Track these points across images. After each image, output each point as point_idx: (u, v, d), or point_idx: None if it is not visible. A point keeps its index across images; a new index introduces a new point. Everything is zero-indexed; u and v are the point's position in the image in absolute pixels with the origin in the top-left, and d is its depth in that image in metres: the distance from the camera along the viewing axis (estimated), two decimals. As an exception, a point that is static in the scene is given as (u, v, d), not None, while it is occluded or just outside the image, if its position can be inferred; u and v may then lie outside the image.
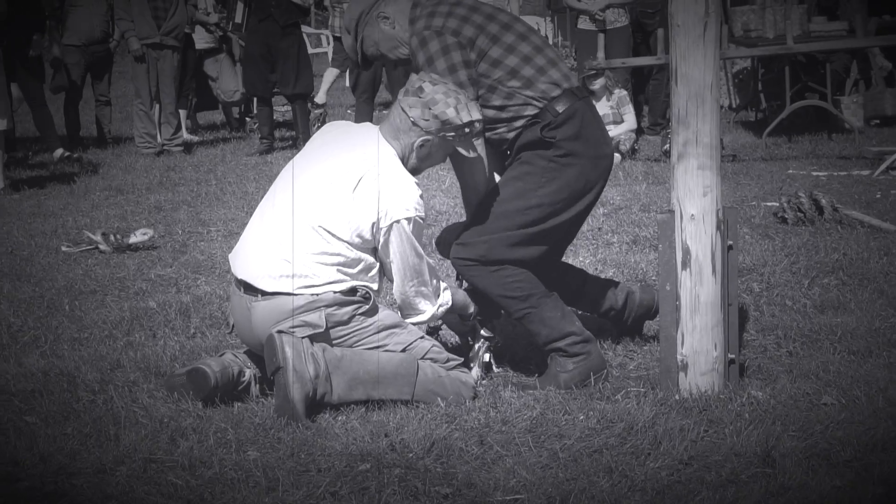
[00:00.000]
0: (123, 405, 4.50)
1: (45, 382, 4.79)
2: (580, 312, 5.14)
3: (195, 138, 13.47)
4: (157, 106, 12.54)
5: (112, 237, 7.50)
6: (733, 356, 4.49)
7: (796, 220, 7.38)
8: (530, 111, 4.63)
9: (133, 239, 7.51)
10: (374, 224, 4.38)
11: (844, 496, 3.57)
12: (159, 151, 12.22)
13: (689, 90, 4.32)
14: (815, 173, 9.56)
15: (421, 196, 4.45)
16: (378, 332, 4.48)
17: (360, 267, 4.45)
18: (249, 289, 4.48)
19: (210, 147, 12.85)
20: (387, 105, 15.09)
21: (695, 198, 4.34)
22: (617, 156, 9.99)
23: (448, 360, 4.56)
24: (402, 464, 3.85)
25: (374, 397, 4.41)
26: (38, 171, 11.46)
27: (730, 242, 4.44)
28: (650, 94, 12.67)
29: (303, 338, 4.35)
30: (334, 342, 4.43)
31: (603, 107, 10.69)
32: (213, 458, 3.96)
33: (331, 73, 14.78)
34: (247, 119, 14.25)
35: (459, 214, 7.78)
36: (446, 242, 4.88)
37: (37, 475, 3.88)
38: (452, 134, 4.47)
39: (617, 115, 10.92)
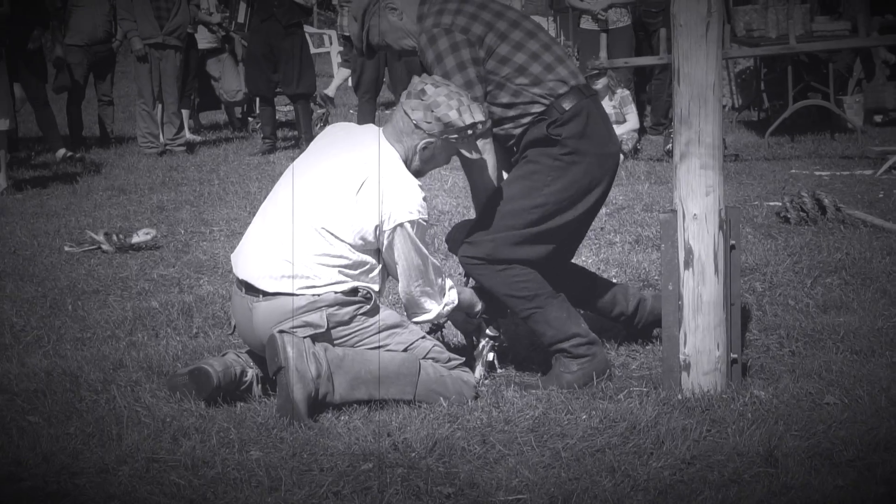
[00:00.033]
0: (126, 405, 4.50)
1: (47, 382, 4.80)
2: (587, 314, 5.13)
3: (198, 138, 13.47)
4: (160, 106, 12.55)
5: (115, 237, 7.51)
6: (736, 356, 4.48)
7: (799, 219, 7.38)
8: (537, 108, 4.64)
9: (136, 239, 7.52)
10: (377, 227, 4.39)
11: (847, 496, 3.57)
12: (162, 151, 12.22)
13: (692, 90, 4.32)
14: (817, 173, 9.56)
15: (424, 198, 4.45)
16: (379, 331, 4.48)
17: (362, 269, 4.45)
18: (251, 289, 4.48)
19: (213, 147, 12.86)
20: (389, 105, 15.10)
21: (697, 197, 4.34)
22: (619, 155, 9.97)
23: (449, 360, 4.56)
24: (405, 463, 3.85)
25: (376, 397, 4.41)
26: (41, 170, 11.47)
27: (732, 242, 4.44)
28: (653, 93, 12.66)
29: (304, 338, 4.36)
30: (336, 342, 4.43)
31: (605, 106, 10.68)
32: (215, 458, 3.96)
33: (343, 73, 14.79)
34: (249, 119, 14.25)
35: (462, 214, 7.78)
36: (455, 240, 4.88)
37: (39, 475, 3.88)
38: (455, 136, 4.47)
39: (619, 115, 10.92)
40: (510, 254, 4.65)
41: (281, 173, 4.72)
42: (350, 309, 4.43)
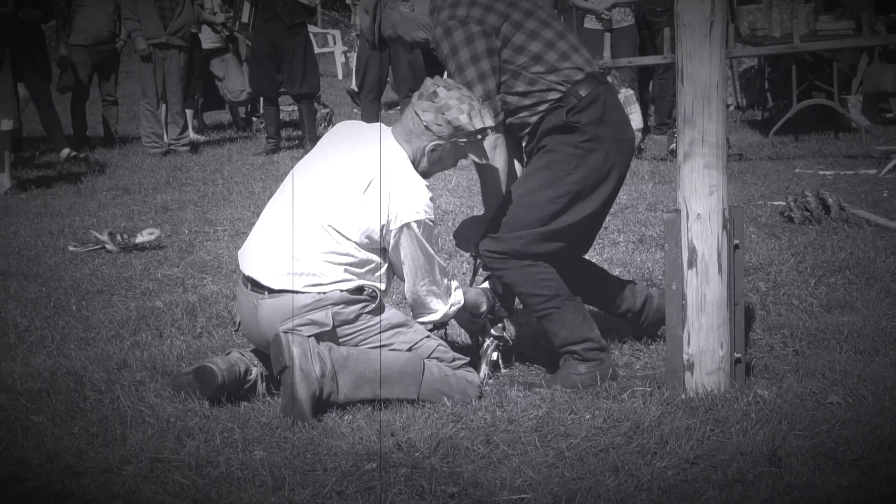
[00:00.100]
0: (130, 404, 4.51)
1: (51, 382, 4.80)
2: (594, 309, 5.14)
3: (202, 138, 13.48)
4: (164, 106, 12.55)
5: (119, 237, 7.51)
6: (739, 355, 4.48)
7: (803, 219, 7.37)
8: (554, 95, 4.64)
9: (140, 238, 7.52)
10: (383, 226, 4.39)
11: (851, 495, 3.57)
12: (166, 151, 12.23)
13: (696, 89, 4.31)
14: (821, 172, 9.55)
15: (431, 198, 4.46)
16: (384, 330, 4.48)
17: (368, 267, 4.46)
18: (256, 286, 4.49)
19: (216, 147, 12.86)
20: (392, 105, 15.10)
21: (701, 197, 4.34)
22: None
23: (454, 360, 4.56)
24: (409, 463, 3.86)
25: (380, 396, 4.41)
26: (45, 170, 11.48)
27: (736, 241, 4.44)
28: (656, 93, 12.66)
29: (309, 336, 4.36)
30: (340, 341, 4.44)
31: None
32: (219, 458, 3.96)
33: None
34: (253, 119, 14.26)
35: (466, 214, 7.78)
36: (464, 236, 4.88)
37: (43, 474, 3.89)
38: (464, 140, 4.48)
39: (623, 115, 10.89)
40: (538, 249, 4.65)
41: (285, 173, 4.73)
42: (355, 308, 4.44)
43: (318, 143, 4.79)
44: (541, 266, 4.68)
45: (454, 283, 4.66)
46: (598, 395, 4.50)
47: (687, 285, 4.38)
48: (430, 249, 4.47)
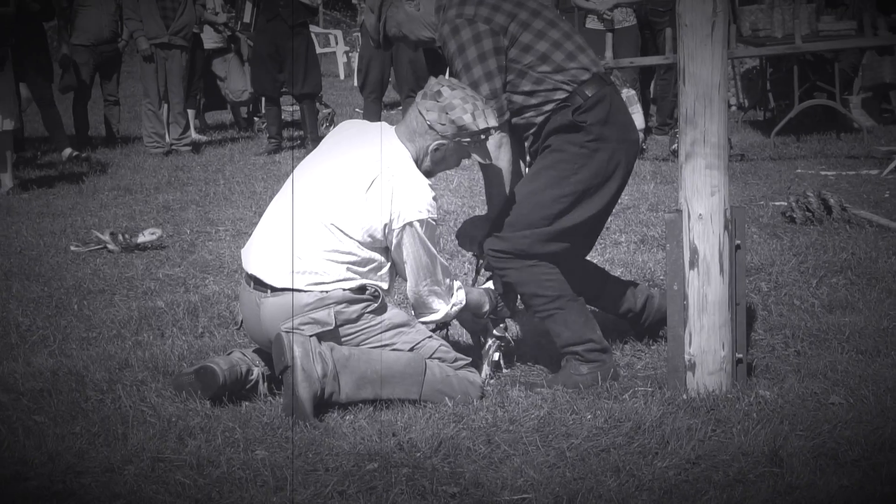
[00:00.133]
0: (131, 404, 4.51)
1: (53, 382, 4.80)
2: (595, 309, 5.14)
3: (203, 138, 13.48)
4: (166, 106, 12.56)
5: (120, 237, 7.52)
6: (741, 355, 4.48)
7: (804, 219, 7.37)
8: (560, 95, 4.65)
9: (141, 238, 7.53)
10: (386, 225, 4.39)
11: (852, 496, 3.57)
12: (168, 151, 12.23)
13: (697, 90, 4.32)
14: (823, 173, 9.55)
15: (434, 198, 4.46)
16: (386, 330, 4.48)
17: (370, 266, 4.46)
18: (259, 284, 4.49)
19: (218, 147, 12.87)
20: (394, 105, 15.10)
21: (703, 197, 4.34)
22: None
23: (456, 360, 4.56)
24: (410, 463, 3.86)
25: (381, 396, 4.41)
26: (47, 170, 11.48)
27: (737, 242, 4.44)
28: (658, 93, 12.65)
29: (311, 336, 4.36)
30: (342, 340, 4.44)
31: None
32: (220, 458, 3.96)
33: None
34: (255, 119, 14.26)
35: (467, 213, 7.78)
36: (466, 235, 4.89)
37: (45, 474, 3.89)
38: (468, 140, 4.48)
39: (625, 115, 10.89)
40: (542, 248, 4.66)
41: (286, 173, 4.74)
42: (358, 307, 4.44)
43: (322, 142, 4.79)
44: (545, 266, 4.69)
45: (456, 283, 4.66)
46: (600, 396, 4.50)
47: (688, 285, 4.38)
48: (433, 249, 4.47)
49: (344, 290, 4.41)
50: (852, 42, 11.49)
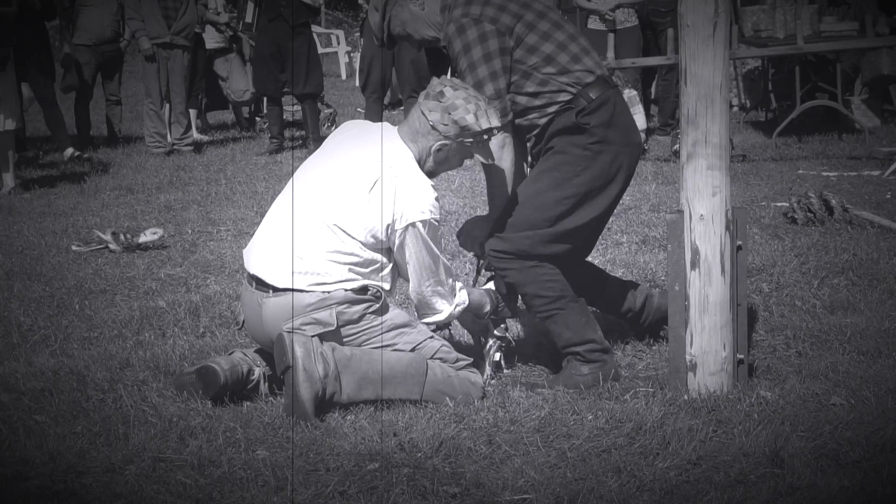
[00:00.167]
0: (133, 404, 4.51)
1: (54, 381, 4.80)
2: (595, 310, 5.14)
3: (205, 138, 13.48)
4: (168, 105, 12.56)
5: (122, 236, 7.52)
6: (742, 356, 4.48)
7: (806, 220, 7.37)
8: (564, 97, 4.65)
9: (143, 238, 7.53)
10: (388, 226, 4.39)
11: (853, 497, 3.57)
12: (169, 151, 12.23)
13: (699, 90, 4.32)
14: (825, 173, 9.55)
15: (437, 198, 4.46)
16: (388, 331, 4.48)
17: (372, 267, 4.46)
18: (261, 284, 4.49)
19: (220, 147, 12.87)
20: (395, 105, 15.10)
21: (704, 198, 4.34)
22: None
23: (457, 360, 4.56)
24: (411, 463, 3.86)
25: (383, 397, 4.41)
26: (49, 170, 11.48)
27: (739, 242, 4.44)
28: (660, 94, 12.65)
29: (312, 336, 4.36)
30: (344, 340, 4.44)
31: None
32: (221, 458, 3.96)
33: None
34: (257, 119, 14.26)
35: (469, 214, 7.78)
36: (468, 235, 4.89)
37: (46, 474, 3.89)
38: (471, 140, 4.48)
39: (626, 115, 10.89)
40: (544, 249, 4.66)
41: (288, 173, 4.74)
42: (359, 307, 4.44)
43: (325, 142, 4.79)
44: (546, 267, 4.69)
45: (459, 284, 4.66)
46: (601, 396, 4.50)
47: (690, 286, 4.38)
48: (436, 249, 4.47)
49: (346, 290, 4.41)
50: (854, 42, 11.48)
